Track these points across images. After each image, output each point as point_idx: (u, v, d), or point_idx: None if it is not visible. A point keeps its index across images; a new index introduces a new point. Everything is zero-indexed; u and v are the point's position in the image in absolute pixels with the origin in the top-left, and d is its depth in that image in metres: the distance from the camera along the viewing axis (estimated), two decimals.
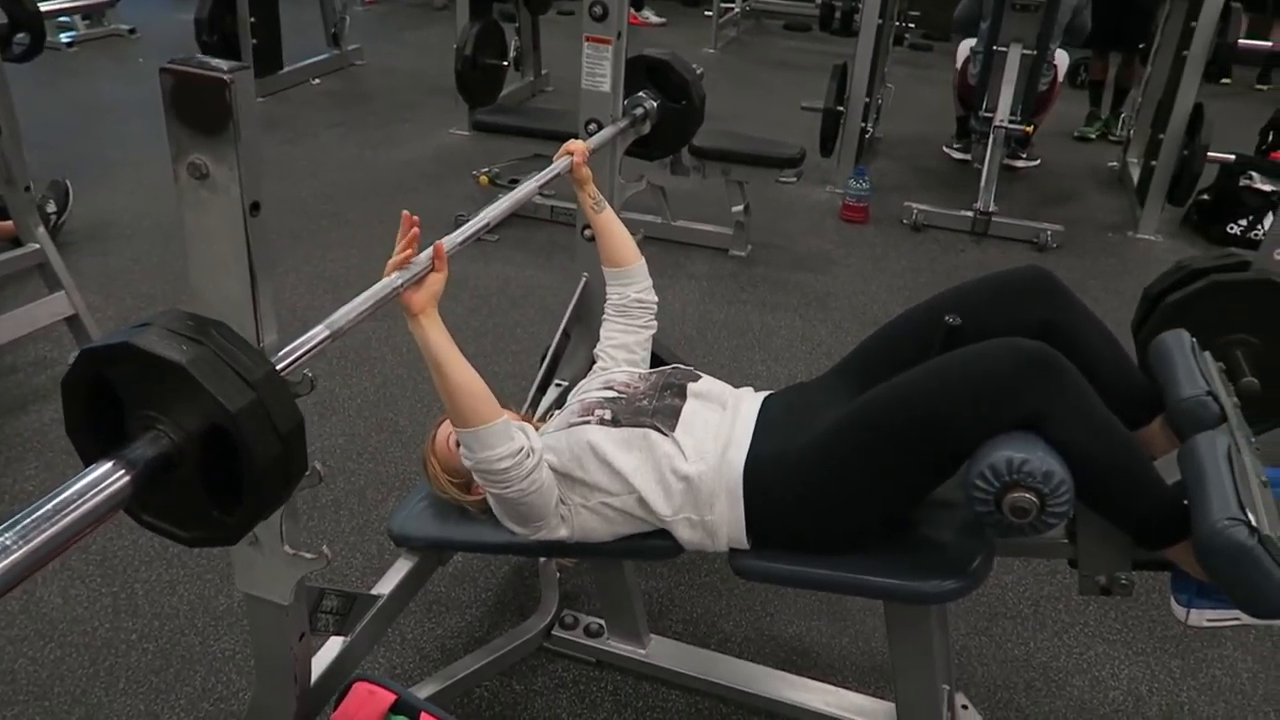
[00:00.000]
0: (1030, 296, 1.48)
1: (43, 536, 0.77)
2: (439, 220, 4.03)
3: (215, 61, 0.96)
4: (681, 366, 1.75)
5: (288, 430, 0.90)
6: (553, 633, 1.97)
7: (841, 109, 4.36)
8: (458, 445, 1.66)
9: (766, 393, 1.65)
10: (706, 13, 7.45)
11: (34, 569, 0.76)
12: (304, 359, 1.11)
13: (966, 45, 4.67)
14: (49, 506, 0.79)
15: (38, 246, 2.77)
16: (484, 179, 4.04)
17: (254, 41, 5.38)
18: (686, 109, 2.17)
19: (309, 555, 1.21)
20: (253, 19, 5.31)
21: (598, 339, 1.91)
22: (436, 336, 1.36)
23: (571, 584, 2.13)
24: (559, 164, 1.86)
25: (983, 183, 4.13)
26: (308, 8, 6.20)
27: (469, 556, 2.18)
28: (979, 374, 1.26)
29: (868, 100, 4.43)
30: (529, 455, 1.44)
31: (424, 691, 1.80)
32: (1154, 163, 4.13)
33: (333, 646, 1.58)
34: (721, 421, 1.54)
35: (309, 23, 6.24)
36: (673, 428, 1.51)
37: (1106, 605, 2.16)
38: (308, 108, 5.57)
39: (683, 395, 1.60)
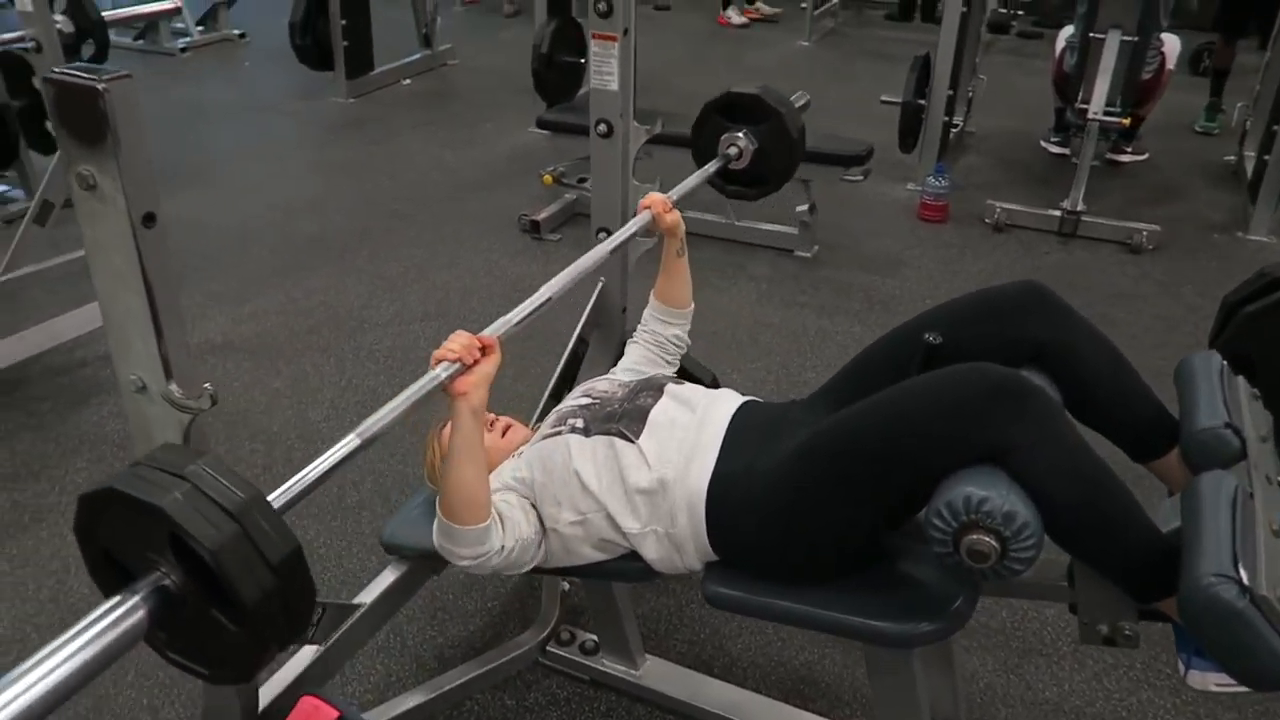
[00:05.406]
0: (1020, 314, 1.34)
1: (57, 675, 0.77)
2: (503, 219, 4.06)
3: (96, 69, 0.95)
4: (665, 373, 1.67)
5: (279, 559, 0.83)
6: (548, 648, 1.92)
7: (923, 102, 4.15)
8: None
9: (747, 398, 1.56)
10: (803, 4, 7.26)
11: (49, 709, 0.75)
12: (332, 472, 1.02)
13: (1065, 33, 4.38)
14: (64, 643, 0.78)
15: None
16: (548, 178, 4.03)
17: (345, 44, 5.54)
18: (784, 144, 2.06)
19: None
20: (344, 21, 5.46)
21: (618, 343, 1.84)
22: (469, 425, 1.26)
23: (579, 597, 2.07)
24: (637, 222, 1.74)
25: (1075, 179, 3.87)
26: (402, 9, 6.33)
27: None
28: (939, 399, 1.14)
29: (952, 93, 4.21)
30: (499, 552, 1.37)
31: (410, 701, 1.79)
32: (1268, 157, 3.77)
33: (306, 654, 1.58)
34: (689, 424, 1.45)
35: (403, 24, 6.37)
36: (638, 433, 1.44)
37: (1157, 648, 1.96)
38: (396, 108, 5.68)
39: (658, 394, 1.53)
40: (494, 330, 1.30)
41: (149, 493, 0.80)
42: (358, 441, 1.04)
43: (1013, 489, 1.10)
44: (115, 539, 0.86)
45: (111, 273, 1.02)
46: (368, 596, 1.69)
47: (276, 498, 0.94)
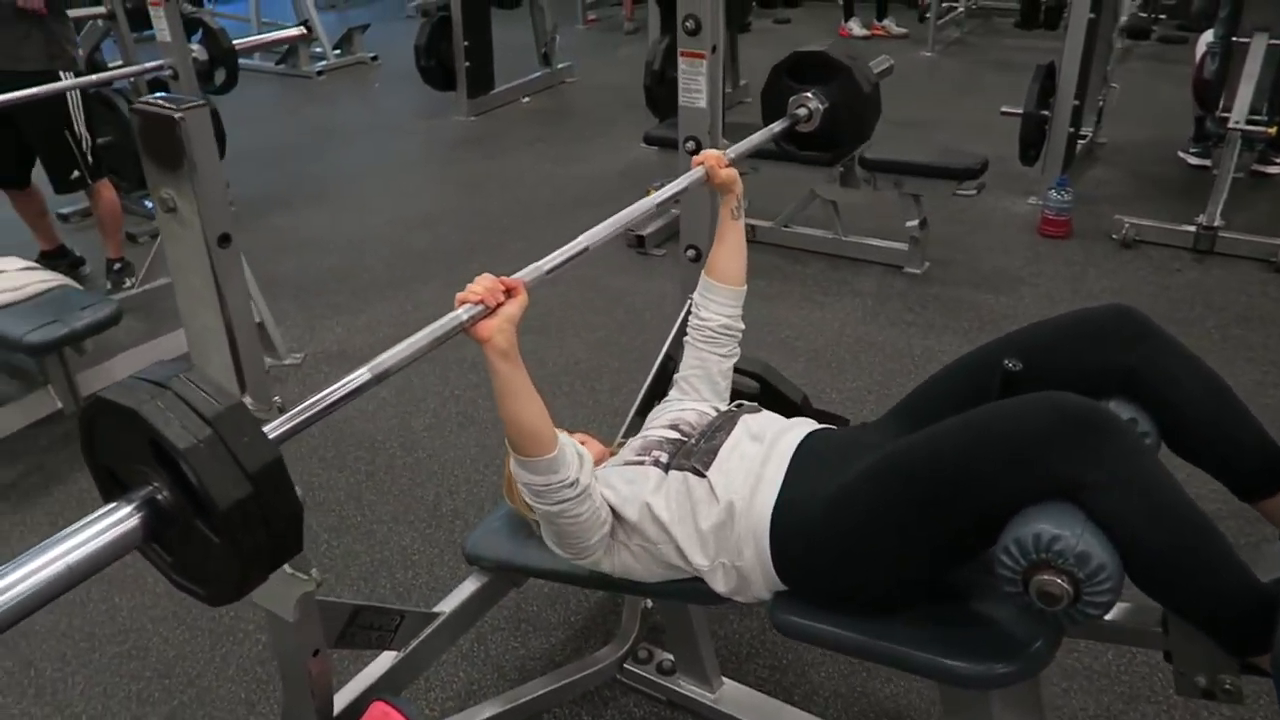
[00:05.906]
0: (1109, 339, 1.25)
1: (44, 574, 0.78)
2: None
3: (177, 98, 1.00)
4: (746, 403, 1.64)
5: (257, 468, 0.82)
6: (626, 665, 1.92)
7: (1046, 113, 3.98)
8: None
9: (822, 426, 1.51)
10: (927, 14, 7.08)
11: (33, 607, 0.77)
12: (342, 403, 1.02)
13: (1206, 37, 4.13)
14: (53, 543, 0.80)
15: None
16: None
17: (467, 64, 5.73)
18: (856, 101, 2.01)
19: (303, 576, 1.24)
20: (466, 43, 5.65)
21: None
22: (503, 368, 1.26)
23: (661, 615, 2.06)
24: (689, 177, 1.71)
25: (1213, 192, 3.63)
26: (523, 29, 6.49)
27: None
28: (1010, 430, 1.08)
29: (1079, 102, 4.02)
30: (571, 486, 1.37)
31: (487, 712, 1.82)
32: None
33: (384, 660, 1.63)
34: (756, 455, 1.43)
35: (524, 44, 6.54)
36: (708, 464, 1.43)
37: None
38: (514, 125, 5.83)
39: (731, 427, 1.51)
40: (524, 275, 1.29)
41: (128, 399, 0.82)
42: (369, 375, 1.04)
43: (1088, 528, 1.03)
44: (112, 454, 0.87)
45: (190, 291, 1.08)
46: (448, 606, 1.73)
47: (282, 423, 0.95)
